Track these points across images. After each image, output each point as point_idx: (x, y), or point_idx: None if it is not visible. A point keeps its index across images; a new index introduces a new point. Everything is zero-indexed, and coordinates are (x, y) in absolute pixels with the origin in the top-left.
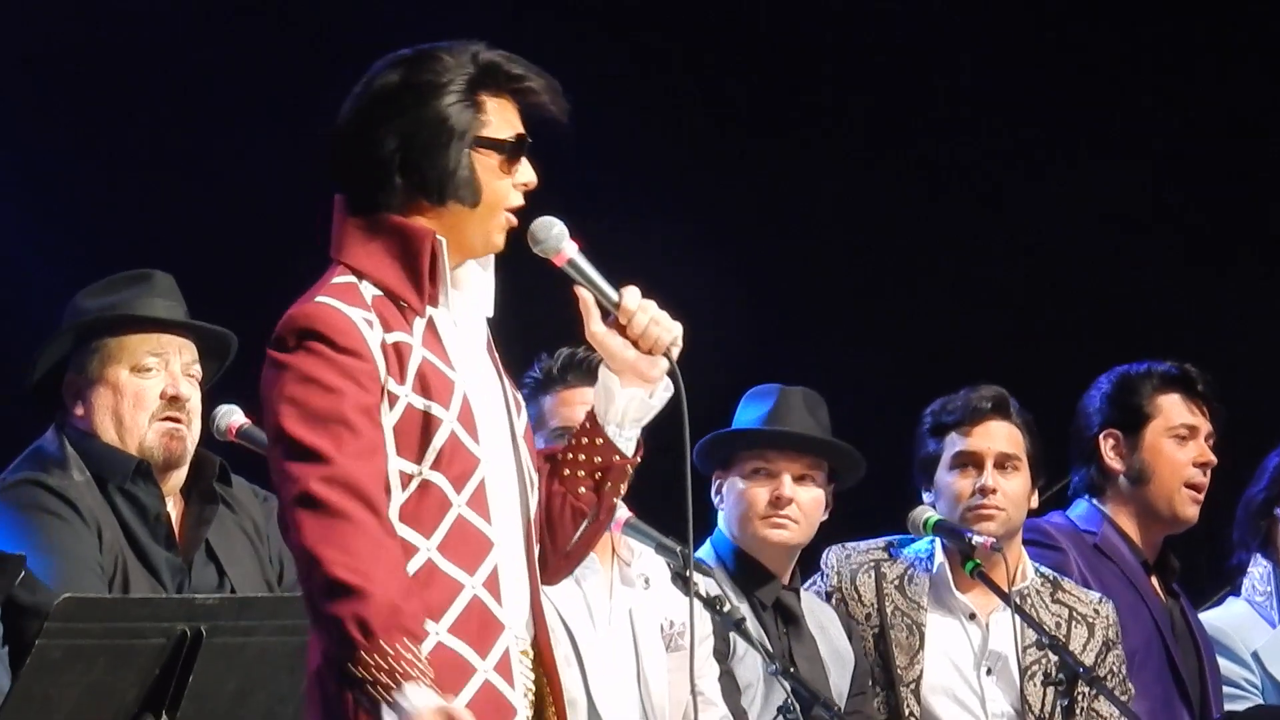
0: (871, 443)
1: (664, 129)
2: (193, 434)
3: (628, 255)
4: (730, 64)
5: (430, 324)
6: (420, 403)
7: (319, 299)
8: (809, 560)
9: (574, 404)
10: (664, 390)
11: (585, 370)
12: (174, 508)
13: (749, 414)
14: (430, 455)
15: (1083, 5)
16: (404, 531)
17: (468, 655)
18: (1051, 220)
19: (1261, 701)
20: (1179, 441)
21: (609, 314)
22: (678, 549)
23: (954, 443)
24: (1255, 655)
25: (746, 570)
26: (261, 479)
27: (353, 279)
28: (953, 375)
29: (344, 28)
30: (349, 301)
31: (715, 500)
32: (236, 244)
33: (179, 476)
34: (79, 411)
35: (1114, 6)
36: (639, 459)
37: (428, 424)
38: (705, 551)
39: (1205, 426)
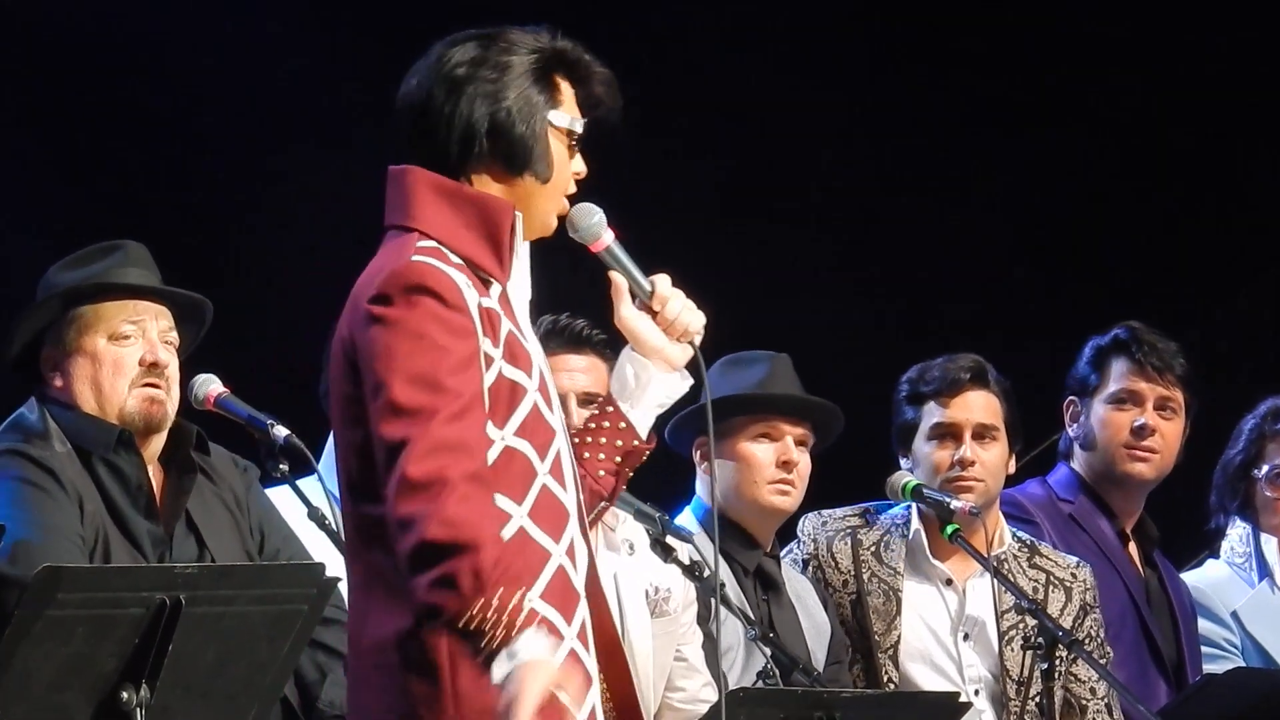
0: (848, 407)
1: (648, 98)
2: (172, 399)
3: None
4: (713, 28)
5: (504, 296)
6: (509, 370)
7: (417, 258)
8: (785, 527)
9: (558, 371)
10: (684, 379)
11: (567, 337)
12: (154, 477)
13: (738, 380)
14: (514, 422)
15: None
16: (498, 498)
17: (558, 623)
18: (1034, 180)
19: (1241, 662)
20: (1118, 406)
21: (637, 298)
22: (657, 515)
23: (932, 413)
24: (1235, 615)
25: (730, 537)
26: (240, 448)
27: (435, 244)
28: (929, 337)
29: None
30: (444, 263)
31: (700, 467)
32: (208, 213)
33: (158, 443)
34: (58, 383)
35: None
36: (654, 444)
37: (514, 392)
38: (685, 518)
39: (1153, 392)
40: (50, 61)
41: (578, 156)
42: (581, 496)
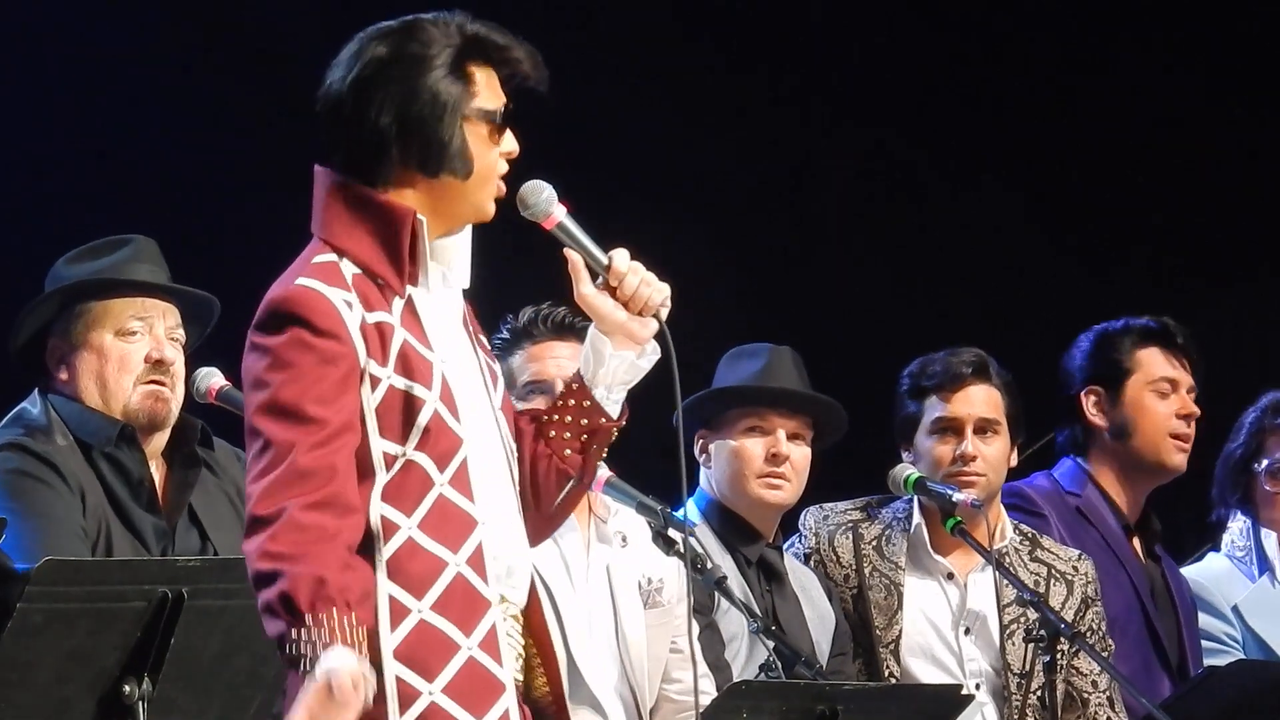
0: (849, 402)
1: (651, 94)
2: (176, 397)
3: (614, 216)
4: (713, 26)
5: (409, 303)
6: (402, 383)
7: (299, 281)
8: (788, 520)
9: (544, 359)
10: (652, 353)
11: (552, 326)
12: (157, 471)
13: (737, 372)
14: (415, 436)
15: None
16: (386, 510)
17: (451, 633)
18: (1034, 172)
19: (1242, 655)
20: (1160, 395)
21: (598, 276)
22: (659, 508)
23: (934, 407)
24: (1235, 609)
25: (732, 528)
26: (242, 442)
27: (334, 257)
28: (931, 328)
29: None
30: (329, 282)
31: (700, 459)
32: (218, 207)
33: (161, 439)
34: (62, 376)
35: None
36: (624, 422)
37: (410, 404)
38: (688, 509)
39: (1186, 380)
40: (73, 49)
41: (508, 136)
42: (516, 493)
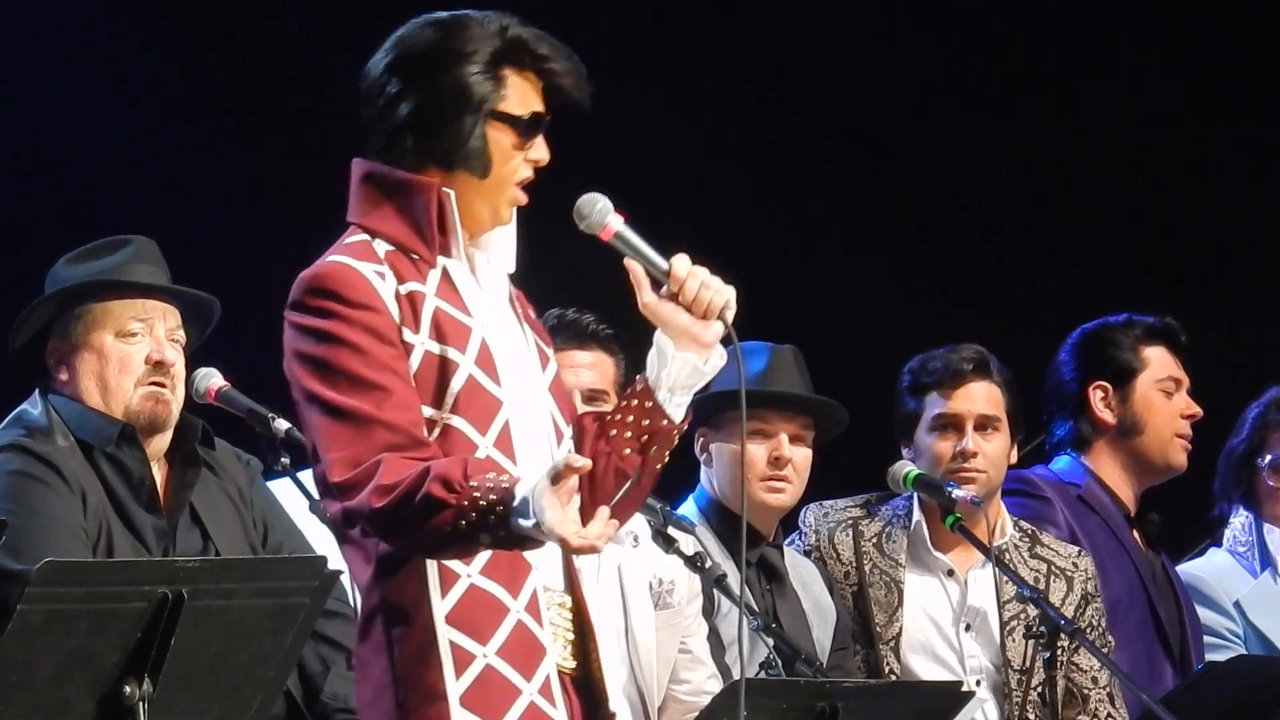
0: (849, 401)
1: (651, 94)
2: (177, 398)
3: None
4: (713, 26)
5: (445, 274)
6: (436, 348)
7: (330, 258)
8: (788, 518)
9: (564, 366)
10: (718, 357)
11: (573, 333)
12: (158, 472)
13: (736, 373)
14: (449, 400)
15: None
16: None
17: (500, 595)
18: (1033, 172)
19: (1244, 651)
20: (1166, 394)
21: (660, 284)
22: (658, 506)
23: (934, 404)
24: (1237, 605)
25: (732, 528)
26: (242, 442)
27: (365, 237)
28: (931, 331)
29: None
30: (360, 257)
31: (701, 458)
32: (218, 208)
33: (163, 440)
34: (63, 377)
35: None
36: (685, 425)
37: (445, 368)
38: (688, 508)
39: (1187, 380)
40: (83, 43)
41: (538, 144)
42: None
